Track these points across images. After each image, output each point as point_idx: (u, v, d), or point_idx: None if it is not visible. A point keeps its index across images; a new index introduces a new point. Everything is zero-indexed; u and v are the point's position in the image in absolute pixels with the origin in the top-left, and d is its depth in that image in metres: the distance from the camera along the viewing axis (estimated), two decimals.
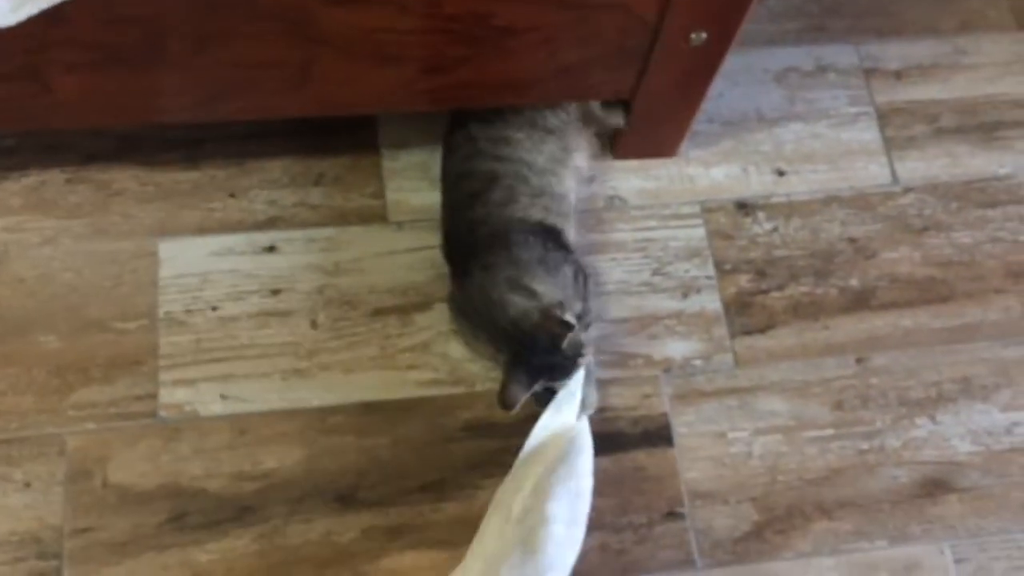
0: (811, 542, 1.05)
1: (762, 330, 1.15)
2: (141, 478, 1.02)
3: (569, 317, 0.96)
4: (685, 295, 1.16)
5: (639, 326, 1.14)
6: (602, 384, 1.10)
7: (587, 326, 1.01)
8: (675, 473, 1.07)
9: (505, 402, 0.96)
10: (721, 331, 1.14)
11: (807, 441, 1.10)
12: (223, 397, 1.06)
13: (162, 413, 1.05)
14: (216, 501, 1.02)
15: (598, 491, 1.05)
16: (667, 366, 1.12)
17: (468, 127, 1.08)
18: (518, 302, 0.98)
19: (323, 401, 1.07)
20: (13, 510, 1.00)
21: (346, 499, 1.03)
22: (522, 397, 0.97)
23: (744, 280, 1.17)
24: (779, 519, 1.06)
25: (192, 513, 1.01)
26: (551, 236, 1.04)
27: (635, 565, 1.03)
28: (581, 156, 1.13)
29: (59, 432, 1.03)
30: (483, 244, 1.03)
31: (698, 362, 1.13)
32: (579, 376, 0.98)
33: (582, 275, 1.05)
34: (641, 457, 1.08)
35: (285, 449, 1.04)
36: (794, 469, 1.08)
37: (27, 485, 1.01)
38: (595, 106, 1.12)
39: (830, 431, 1.10)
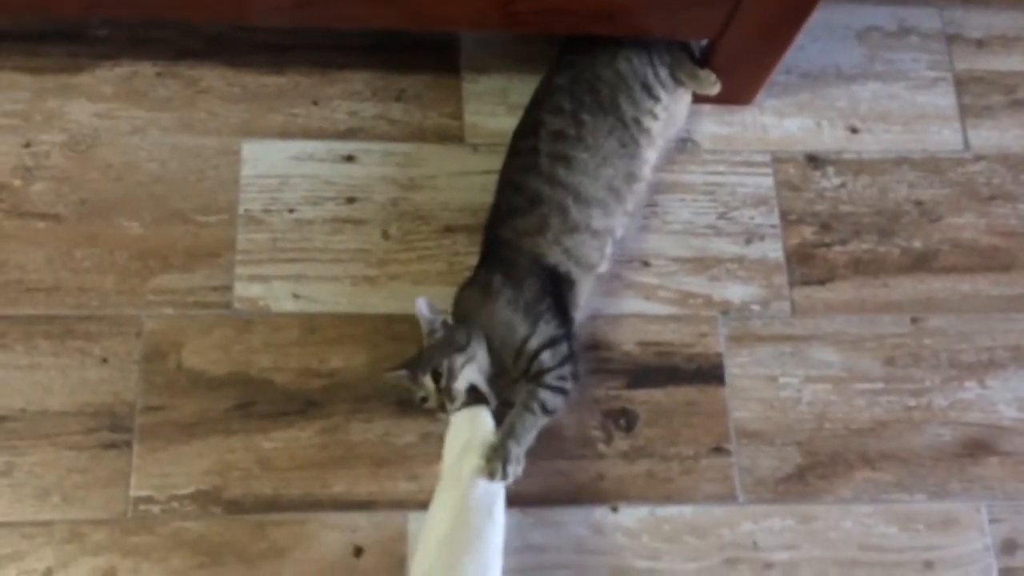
0: (852, 489, 1.08)
1: (822, 282, 1.16)
2: (213, 365, 1.06)
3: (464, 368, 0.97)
4: (748, 241, 1.17)
5: (701, 267, 1.16)
6: (660, 319, 1.12)
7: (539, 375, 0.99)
8: (725, 411, 1.10)
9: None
10: (781, 279, 1.16)
11: (856, 393, 1.12)
12: (295, 296, 1.09)
13: (236, 305, 1.08)
14: (283, 393, 1.05)
15: (650, 421, 1.09)
16: (725, 308, 1.14)
17: (539, 135, 1.06)
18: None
19: (390, 309, 1.10)
20: (90, 383, 1.04)
21: (406, 404, 1.06)
22: (396, 374, 1.00)
23: (808, 232, 1.18)
24: (822, 464, 1.09)
25: (259, 403, 1.05)
26: (553, 287, 1.03)
27: (679, 494, 1.06)
28: (647, 179, 1.11)
29: (137, 314, 1.07)
30: (495, 261, 1.04)
31: (756, 307, 1.14)
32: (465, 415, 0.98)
33: (566, 343, 1.00)
34: (693, 393, 1.10)
35: (351, 350, 1.08)
36: (841, 418, 1.11)
37: (104, 361, 1.05)
38: (689, 71, 1.14)
39: (880, 385, 1.12)
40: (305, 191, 1.14)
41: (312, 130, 1.16)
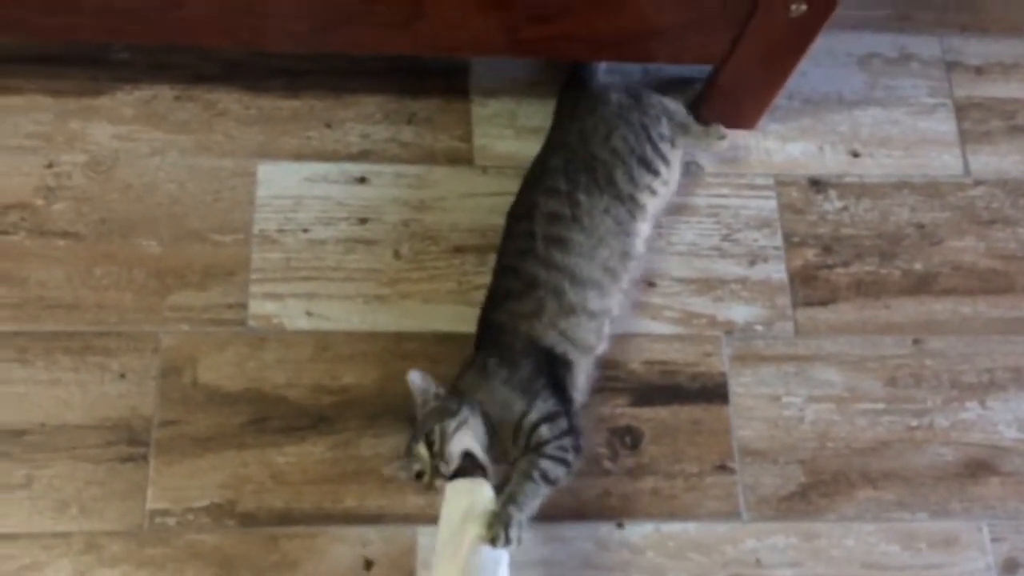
0: (854, 507, 1.10)
1: (824, 303, 1.18)
2: (228, 380, 1.08)
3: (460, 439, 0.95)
4: (752, 263, 1.20)
5: (705, 288, 1.18)
6: (665, 339, 1.14)
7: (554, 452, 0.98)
8: (728, 430, 1.12)
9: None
10: (784, 300, 1.18)
11: (859, 413, 1.14)
12: (308, 314, 1.12)
13: (251, 323, 1.11)
14: (296, 409, 1.08)
15: (655, 439, 1.11)
16: (729, 328, 1.16)
17: (534, 217, 1.06)
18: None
19: (401, 327, 1.12)
20: (109, 398, 1.06)
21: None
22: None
23: (811, 254, 1.21)
24: (825, 483, 1.10)
25: (273, 418, 1.07)
26: (550, 367, 1.02)
27: (683, 511, 1.08)
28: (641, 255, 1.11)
29: (155, 330, 1.09)
30: (491, 345, 1.04)
31: (759, 327, 1.17)
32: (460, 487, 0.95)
33: (565, 419, 0.99)
34: (697, 412, 1.12)
35: (362, 368, 1.10)
36: (844, 438, 1.12)
37: (122, 376, 1.07)
38: (696, 133, 1.17)
39: (882, 405, 1.14)
40: (318, 211, 1.16)
41: (326, 152, 1.19)
